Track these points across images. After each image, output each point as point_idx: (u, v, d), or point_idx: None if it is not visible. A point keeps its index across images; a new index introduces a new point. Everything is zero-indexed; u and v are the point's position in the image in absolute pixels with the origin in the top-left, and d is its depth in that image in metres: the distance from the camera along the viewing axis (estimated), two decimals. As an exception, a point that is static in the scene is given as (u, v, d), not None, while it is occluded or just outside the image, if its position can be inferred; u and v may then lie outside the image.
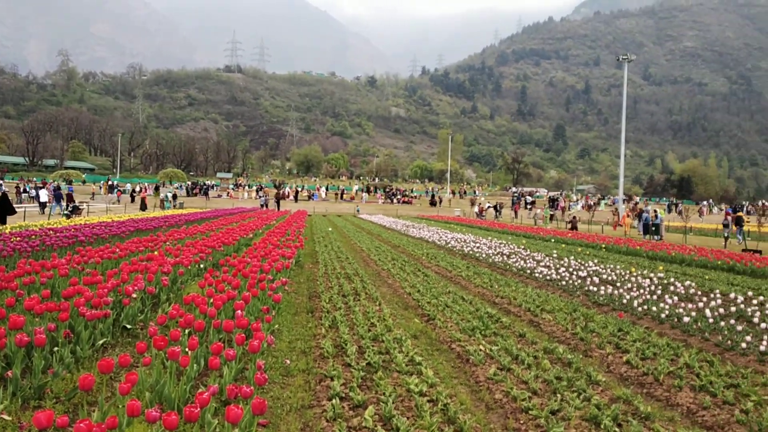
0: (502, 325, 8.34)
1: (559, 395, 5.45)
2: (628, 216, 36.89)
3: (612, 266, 14.81)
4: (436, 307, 9.49)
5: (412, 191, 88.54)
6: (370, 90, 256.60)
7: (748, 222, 41.75)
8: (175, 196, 51.67)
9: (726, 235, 28.03)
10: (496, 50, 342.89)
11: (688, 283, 12.13)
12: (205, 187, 70.17)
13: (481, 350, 6.89)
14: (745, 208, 69.56)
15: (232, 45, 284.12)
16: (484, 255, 17.71)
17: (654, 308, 9.40)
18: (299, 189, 76.05)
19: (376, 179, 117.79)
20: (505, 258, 16.70)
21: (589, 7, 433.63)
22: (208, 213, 34.29)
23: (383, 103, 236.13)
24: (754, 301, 10.17)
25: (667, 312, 9.16)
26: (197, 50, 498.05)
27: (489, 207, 53.93)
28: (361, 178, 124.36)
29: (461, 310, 9.19)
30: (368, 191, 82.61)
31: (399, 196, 75.97)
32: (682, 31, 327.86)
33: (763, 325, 8.19)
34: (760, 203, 76.50)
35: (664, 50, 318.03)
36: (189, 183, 77.87)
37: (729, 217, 30.67)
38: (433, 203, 69.55)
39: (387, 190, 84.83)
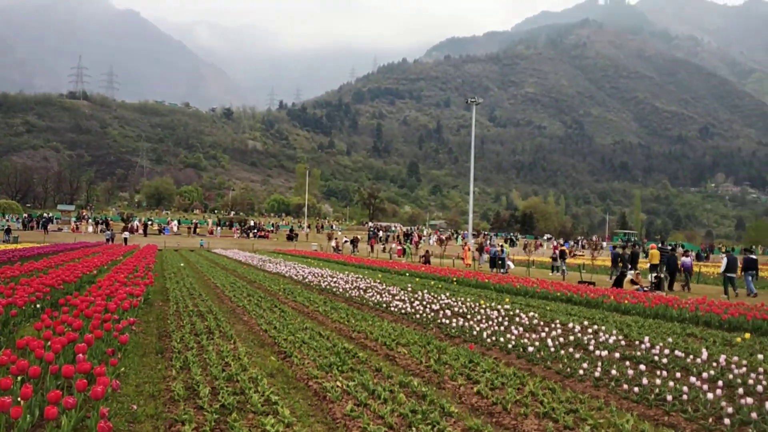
0: (358, 360, 8.37)
1: (414, 428, 5.54)
2: (469, 250, 38.98)
3: (463, 299, 15.37)
4: (293, 344, 9.37)
5: (272, 225, 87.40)
6: (226, 122, 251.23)
7: (581, 255, 45.58)
8: (8, 230, 47.57)
9: (561, 267, 30.29)
10: (352, 88, 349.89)
11: (531, 314, 12.82)
12: (43, 220, 65.20)
13: (338, 386, 6.88)
14: (579, 243, 75.64)
15: (78, 71, 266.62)
16: (341, 290, 17.80)
17: (502, 339, 9.85)
18: (149, 222, 72.73)
19: (232, 213, 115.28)
20: (362, 292, 16.88)
21: (440, 50, 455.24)
22: (46, 248, 31.92)
23: (240, 136, 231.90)
24: (590, 330, 10.93)
25: (513, 342, 9.62)
26: (37, 75, 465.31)
27: (346, 241, 54.51)
28: (216, 211, 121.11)
29: (318, 346, 9.14)
30: (225, 225, 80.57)
31: (255, 230, 74.71)
32: (523, 78, 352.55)
33: (597, 352, 8.85)
34: (593, 238, 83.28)
35: (508, 95, 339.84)
36: (25, 215, 72.04)
37: (557, 251, 33.41)
38: (290, 238, 69.08)
39: (243, 224, 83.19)
